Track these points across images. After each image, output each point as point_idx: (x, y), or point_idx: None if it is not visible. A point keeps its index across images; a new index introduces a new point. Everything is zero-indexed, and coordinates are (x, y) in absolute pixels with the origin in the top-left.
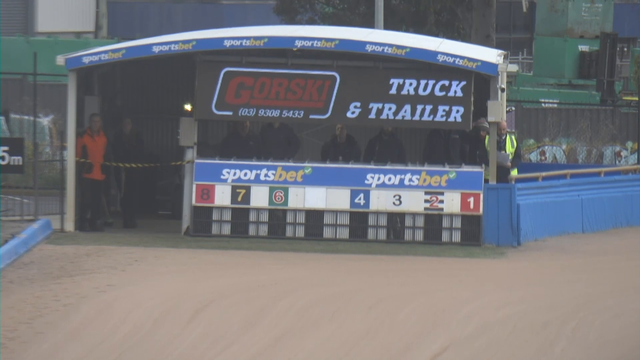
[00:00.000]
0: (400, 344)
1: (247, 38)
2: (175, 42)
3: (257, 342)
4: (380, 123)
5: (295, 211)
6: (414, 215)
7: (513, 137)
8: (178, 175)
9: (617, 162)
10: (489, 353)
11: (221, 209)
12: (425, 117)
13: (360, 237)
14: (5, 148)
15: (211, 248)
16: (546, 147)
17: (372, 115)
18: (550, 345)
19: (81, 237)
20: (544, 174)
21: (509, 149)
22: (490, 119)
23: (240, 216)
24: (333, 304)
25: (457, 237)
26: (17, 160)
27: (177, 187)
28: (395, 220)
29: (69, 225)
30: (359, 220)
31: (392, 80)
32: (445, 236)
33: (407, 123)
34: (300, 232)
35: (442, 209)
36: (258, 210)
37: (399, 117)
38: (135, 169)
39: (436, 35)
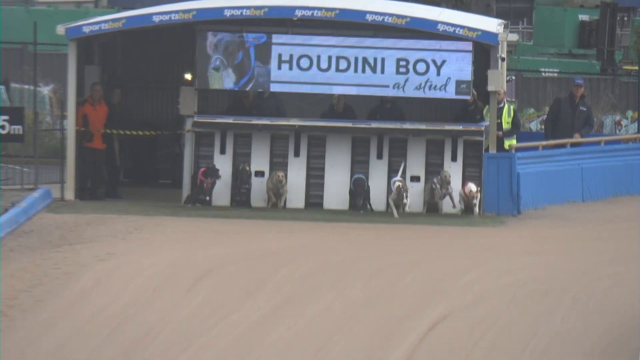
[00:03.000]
0: (400, 312)
1: (248, 7)
2: (176, 12)
3: (257, 311)
4: (379, 93)
5: (295, 180)
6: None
7: (511, 106)
8: (178, 144)
9: (617, 131)
10: (489, 321)
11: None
12: (426, 88)
13: (361, 206)
14: (6, 117)
15: (211, 217)
16: (546, 116)
17: None
18: (550, 314)
19: (81, 206)
20: (544, 142)
21: (506, 118)
22: (491, 88)
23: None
24: (333, 273)
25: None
26: (17, 129)
27: (177, 157)
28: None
29: (69, 194)
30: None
31: None
32: (445, 205)
33: (407, 93)
34: (301, 201)
35: None
36: (259, 178)
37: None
38: (127, 139)
39: (437, 4)
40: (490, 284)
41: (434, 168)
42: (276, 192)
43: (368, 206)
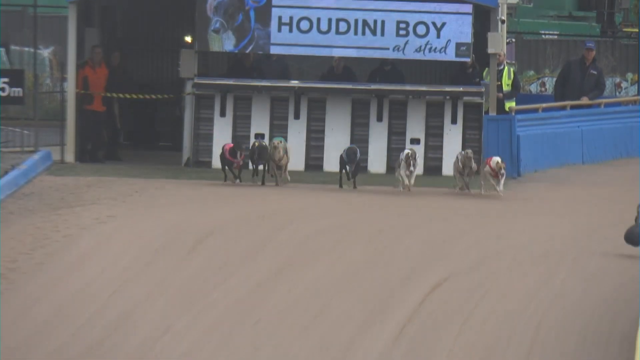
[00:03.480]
0: (399, 275)
1: None
2: None
3: (257, 273)
4: (379, 55)
5: (295, 143)
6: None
7: (511, 68)
8: (178, 107)
9: (617, 93)
10: (489, 284)
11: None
12: (426, 50)
13: (361, 169)
14: (6, 79)
15: (211, 179)
16: (546, 79)
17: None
18: (550, 276)
19: (81, 169)
20: (544, 105)
21: (506, 80)
22: (491, 50)
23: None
24: (333, 235)
25: None
26: (17, 91)
27: (178, 119)
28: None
29: (70, 157)
30: (359, 152)
31: None
32: (445, 167)
33: (406, 55)
34: (301, 163)
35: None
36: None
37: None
38: (128, 101)
39: None
40: (489, 247)
41: (434, 130)
42: (278, 164)
43: (353, 180)
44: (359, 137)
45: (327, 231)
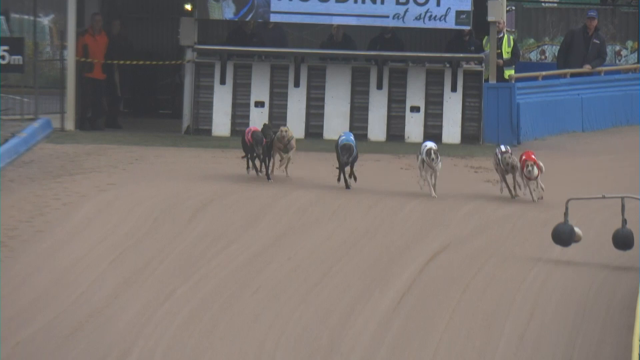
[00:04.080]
0: (400, 242)
1: None
2: None
3: (257, 241)
4: (379, 23)
5: (295, 110)
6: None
7: (511, 36)
8: (178, 74)
9: (617, 61)
10: (489, 251)
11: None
12: (426, 18)
13: (361, 137)
14: (6, 47)
15: (211, 147)
16: (546, 47)
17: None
18: (550, 244)
19: (81, 136)
20: (544, 73)
21: (505, 48)
22: (491, 18)
23: (241, 115)
24: (333, 203)
25: (457, 136)
26: (17, 59)
27: (178, 87)
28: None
29: (70, 124)
30: (359, 120)
31: None
32: (445, 135)
33: (406, 23)
34: (301, 131)
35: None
36: (259, 109)
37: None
38: (128, 69)
39: None
40: (490, 214)
41: (434, 98)
42: (284, 149)
43: (353, 177)
44: (359, 105)
45: (327, 199)
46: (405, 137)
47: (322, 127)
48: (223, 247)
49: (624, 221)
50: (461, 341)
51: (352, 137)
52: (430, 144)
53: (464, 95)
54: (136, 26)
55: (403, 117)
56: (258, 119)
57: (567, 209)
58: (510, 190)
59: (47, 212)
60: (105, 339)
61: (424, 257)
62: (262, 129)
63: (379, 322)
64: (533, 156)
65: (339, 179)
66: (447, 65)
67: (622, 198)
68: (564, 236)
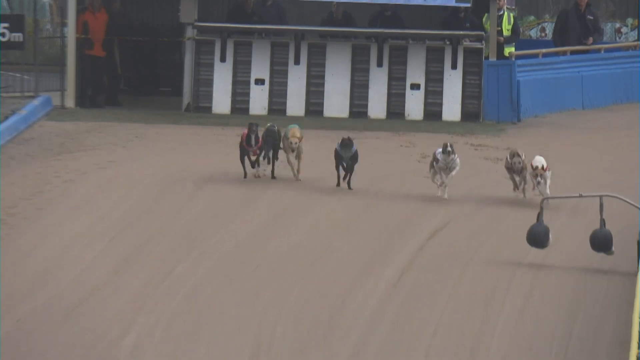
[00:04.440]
0: (400, 219)
1: None
2: None
3: (257, 218)
4: (380, 0)
5: (295, 88)
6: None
7: (511, 14)
8: (178, 52)
9: (617, 38)
10: (489, 228)
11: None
12: None
13: (361, 115)
14: (6, 25)
15: (212, 124)
16: (546, 24)
17: None
18: (550, 220)
19: (82, 114)
20: (544, 50)
21: (506, 25)
22: None
23: (241, 92)
24: (333, 180)
25: (457, 113)
26: (17, 36)
27: (178, 65)
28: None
29: (70, 102)
30: (359, 98)
31: None
32: (445, 113)
33: (407, 0)
34: (301, 109)
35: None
36: (259, 86)
37: None
38: (128, 46)
39: None
40: (490, 192)
41: (434, 76)
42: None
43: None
44: (359, 83)
45: (327, 176)
46: (406, 114)
47: (322, 104)
48: (223, 224)
49: (603, 222)
50: (462, 317)
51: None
52: (447, 145)
53: (464, 73)
54: (136, 3)
55: (403, 95)
56: (258, 96)
57: (542, 209)
58: (516, 187)
59: (47, 189)
60: (106, 316)
61: (424, 234)
62: (249, 128)
63: (379, 298)
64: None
65: (338, 184)
66: (448, 42)
67: (601, 197)
68: (539, 237)
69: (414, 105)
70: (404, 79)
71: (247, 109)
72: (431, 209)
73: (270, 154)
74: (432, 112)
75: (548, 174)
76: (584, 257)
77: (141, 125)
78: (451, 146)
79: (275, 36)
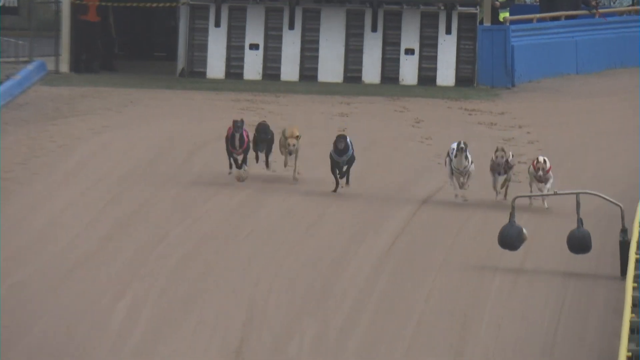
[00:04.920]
0: (394, 185)
1: None
2: None
3: (251, 184)
4: None
5: (290, 53)
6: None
7: None
8: (173, 17)
9: (611, 3)
10: (482, 195)
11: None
12: None
13: (355, 80)
14: None
15: (205, 90)
16: None
17: None
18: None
19: (76, 79)
20: (538, 15)
21: None
22: None
23: (235, 57)
24: (327, 147)
25: (451, 78)
26: (12, 2)
27: (172, 30)
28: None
29: (64, 67)
30: (354, 63)
31: None
32: (440, 78)
33: None
34: (295, 74)
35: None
36: (253, 51)
37: None
38: (124, 13)
39: None
40: (484, 156)
41: (428, 41)
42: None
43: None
44: (354, 48)
45: (321, 141)
46: (400, 79)
47: (316, 69)
48: (217, 190)
49: (580, 221)
50: (454, 285)
51: (348, 140)
52: (459, 143)
53: (459, 38)
54: None
55: (397, 60)
56: (252, 61)
57: (513, 208)
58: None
59: (42, 154)
60: (100, 281)
61: (417, 200)
62: (234, 125)
63: (372, 265)
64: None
65: (335, 189)
66: (442, 7)
67: (578, 194)
68: (510, 240)
69: (408, 70)
70: (398, 44)
71: (242, 74)
72: (424, 175)
73: (266, 156)
74: (427, 77)
75: (551, 175)
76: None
77: (136, 90)
78: (465, 144)
79: (269, 1)
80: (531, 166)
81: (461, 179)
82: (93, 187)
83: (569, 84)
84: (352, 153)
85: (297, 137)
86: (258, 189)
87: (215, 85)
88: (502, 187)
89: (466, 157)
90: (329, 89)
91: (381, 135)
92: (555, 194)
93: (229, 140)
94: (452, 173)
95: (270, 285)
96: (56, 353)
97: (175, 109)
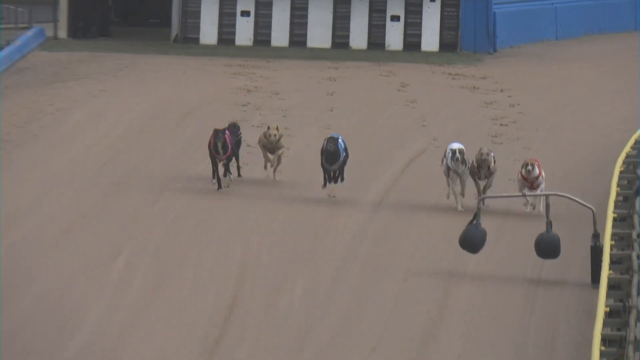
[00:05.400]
0: (381, 146)
1: None
2: None
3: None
4: None
5: (280, 19)
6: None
7: None
8: None
9: None
10: (467, 152)
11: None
12: None
13: (343, 46)
14: None
15: (199, 55)
16: None
17: None
18: (524, 145)
19: (74, 44)
20: None
21: None
22: None
23: (227, 24)
24: (317, 107)
25: (435, 44)
26: None
27: None
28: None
29: (62, 33)
30: (341, 29)
31: None
32: (424, 44)
33: None
34: (285, 40)
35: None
36: (244, 18)
37: None
38: None
39: None
40: (466, 120)
41: (413, 8)
42: (271, 148)
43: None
44: (341, 14)
45: (311, 104)
46: (386, 45)
47: (305, 35)
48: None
49: (549, 224)
50: (439, 235)
51: (340, 140)
52: (456, 145)
53: (443, 5)
54: None
55: (384, 26)
56: (244, 28)
57: (479, 209)
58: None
59: (41, 117)
60: (98, 239)
61: (403, 160)
62: (215, 133)
63: (361, 222)
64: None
65: (324, 185)
66: None
67: (547, 196)
68: (474, 241)
69: (394, 36)
70: (384, 11)
71: (233, 40)
72: (410, 136)
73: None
74: (412, 42)
75: (542, 180)
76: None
77: (131, 55)
78: (460, 153)
79: None
80: (519, 174)
81: (458, 183)
82: (90, 148)
83: (548, 49)
84: (344, 158)
85: (277, 129)
86: (248, 149)
87: (207, 51)
88: (483, 193)
89: (463, 163)
90: (318, 54)
91: (368, 99)
92: (524, 195)
93: (214, 147)
94: (449, 174)
95: (261, 244)
96: (56, 308)
97: (169, 74)
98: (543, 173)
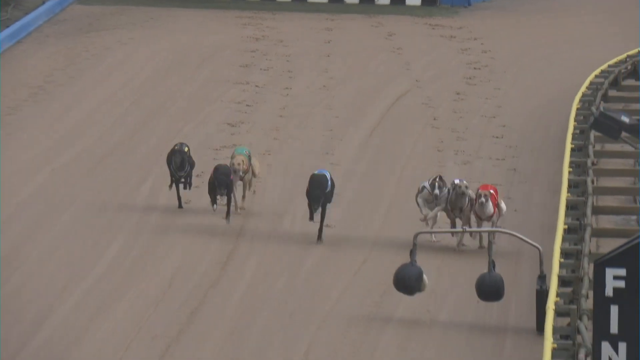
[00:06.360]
0: (370, 87)
1: None
2: None
3: (252, 83)
4: None
5: None
6: None
7: None
8: None
9: None
10: (446, 92)
11: None
12: None
13: (339, 1)
14: None
15: (213, 8)
16: None
17: None
18: (493, 89)
19: None
20: None
21: None
22: None
23: None
24: (315, 54)
25: None
26: None
27: None
28: None
29: None
30: None
31: None
32: None
33: None
34: None
35: None
36: None
37: None
38: None
39: None
40: (445, 64)
41: None
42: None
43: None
44: None
45: (310, 51)
46: (375, 0)
47: None
48: (225, 91)
49: (492, 264)
50: (425, 161)
51: (327, 173)
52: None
53: None
54: None
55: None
56: None
57: (415, 245)
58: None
59: (78, 61)
60: (126, 169)
61: (390, 99)
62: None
63: (353, 154)
64: (491, 190)
65: (311, 217)
66: None
67: (490, 234)
68: (410, 282)
69: None
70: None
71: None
72: (396, 79)
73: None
74: None
75: (497, 217)
76: (523, 116)
77: (156, 9)
78: (440, 179)
79: None
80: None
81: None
82: (120, 89)
83: (521, 2)
84: (331, 190)
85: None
86: (256, 90)
87: (223, 5)
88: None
89: (440, 190)
90: (316, 7)
91: (360, 46)
92: (464, 230)
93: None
94: (424, 204)
95: (267, 169)
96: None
97: (188, 25)
98: (503, 205)
